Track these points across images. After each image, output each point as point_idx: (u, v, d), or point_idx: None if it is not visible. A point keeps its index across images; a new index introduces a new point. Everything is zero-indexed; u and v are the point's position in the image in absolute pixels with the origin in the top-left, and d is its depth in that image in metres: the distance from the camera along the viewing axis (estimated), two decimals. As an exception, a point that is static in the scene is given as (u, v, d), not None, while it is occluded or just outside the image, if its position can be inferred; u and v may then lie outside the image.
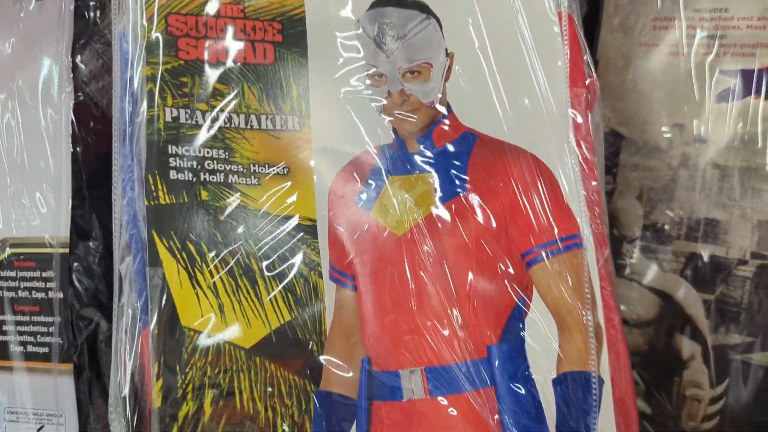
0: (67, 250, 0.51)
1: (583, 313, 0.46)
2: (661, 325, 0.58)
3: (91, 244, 0.51)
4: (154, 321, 0.44)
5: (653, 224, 0.58)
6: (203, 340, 0.45)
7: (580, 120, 0.49)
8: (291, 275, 0.46)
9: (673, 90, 0.57)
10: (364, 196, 0.47)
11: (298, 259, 0.46)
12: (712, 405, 0.57)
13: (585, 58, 0.49)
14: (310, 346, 0.46)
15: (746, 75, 0.55)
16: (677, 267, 0.57)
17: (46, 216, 0.51)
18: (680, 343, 0.58)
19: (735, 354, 0.56)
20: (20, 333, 0.51)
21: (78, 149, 0.51)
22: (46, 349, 0.51)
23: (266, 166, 0.47)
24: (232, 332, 0.45)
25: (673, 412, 0.58)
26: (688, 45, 0.57)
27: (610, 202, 0.59)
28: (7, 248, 0.51)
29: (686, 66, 0.57)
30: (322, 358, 0.46)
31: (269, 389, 0.45)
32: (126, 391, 0.44)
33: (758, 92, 0.55)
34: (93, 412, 0.51)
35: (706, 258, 0.57)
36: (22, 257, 0.51)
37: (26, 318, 0.51)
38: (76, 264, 0.50)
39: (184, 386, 0.44)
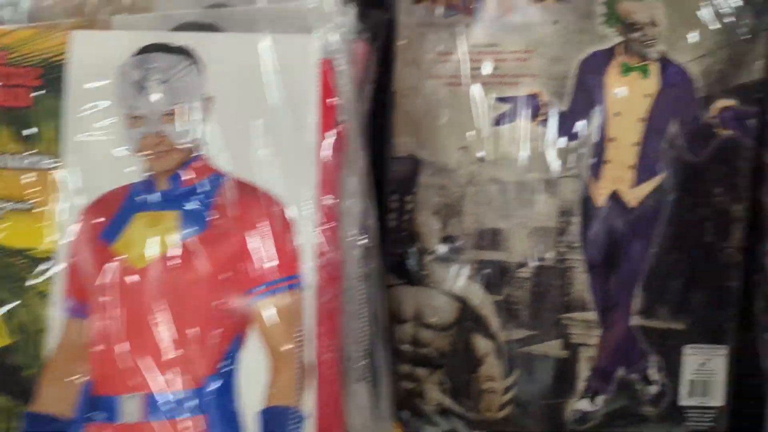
0: None
1: (295, 351, 0.50)
2: (461, 326, 0.64)
3: None
4: None
5: (449, 236, 0.64)
6: None
7: (328, 163, 0.52)
8: (17, 302, 0.49)
9: (457, 117, 0.63)
10: (109, 231, 0.50)
11: (30, 289, 0.49)
12: (505, 394, 0.63)
13: (337, 104, 0.52)
14: (28, 369, 0.49)
15: (514, 101, 0.63)
16: (471, 273, 0.64)
17: None
18: (476, 342, 0.64)
19: (521, 347, 0.63)
20: None
21: None
22: None
23: (12, 201, 0.50)
24: None
25: (474, 405, 0.64)
26: (466, 76, 0.63)
27: (411, 219, 0.65)
28: None
29: (466, 95, 0.63)
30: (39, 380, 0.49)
31: None
32: None
33: (524, 116, 0.63)
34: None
35: (493, 264, 0.63)
36: None
37: None
38: None
39: None
